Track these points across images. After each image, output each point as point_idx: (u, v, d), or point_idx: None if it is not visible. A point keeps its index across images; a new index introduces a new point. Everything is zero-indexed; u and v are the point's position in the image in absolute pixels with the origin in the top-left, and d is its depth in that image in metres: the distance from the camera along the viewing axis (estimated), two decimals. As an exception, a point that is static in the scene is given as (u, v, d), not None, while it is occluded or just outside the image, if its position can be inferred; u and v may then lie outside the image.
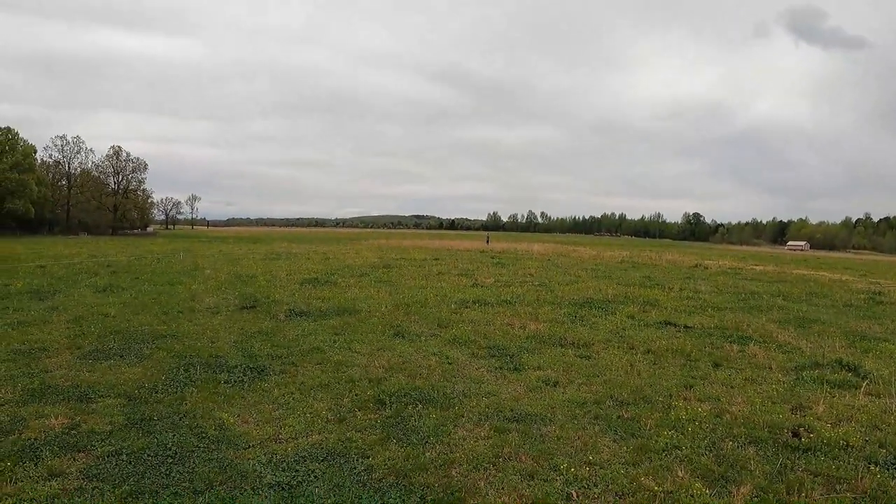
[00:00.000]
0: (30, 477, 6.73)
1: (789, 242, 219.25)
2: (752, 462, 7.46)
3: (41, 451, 7.43)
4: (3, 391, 9.74)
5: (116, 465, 7.11)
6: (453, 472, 7.03)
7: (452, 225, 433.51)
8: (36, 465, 7.04)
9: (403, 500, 6.44)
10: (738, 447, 7.93)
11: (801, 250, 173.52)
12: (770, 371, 12.07)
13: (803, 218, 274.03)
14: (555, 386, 10.68)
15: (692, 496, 6.52)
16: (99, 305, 18.55)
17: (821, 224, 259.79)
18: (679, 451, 7.75)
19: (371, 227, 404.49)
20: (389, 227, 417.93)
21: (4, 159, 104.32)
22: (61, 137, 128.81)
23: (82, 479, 6.73)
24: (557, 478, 6.95)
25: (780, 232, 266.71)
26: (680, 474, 7.02)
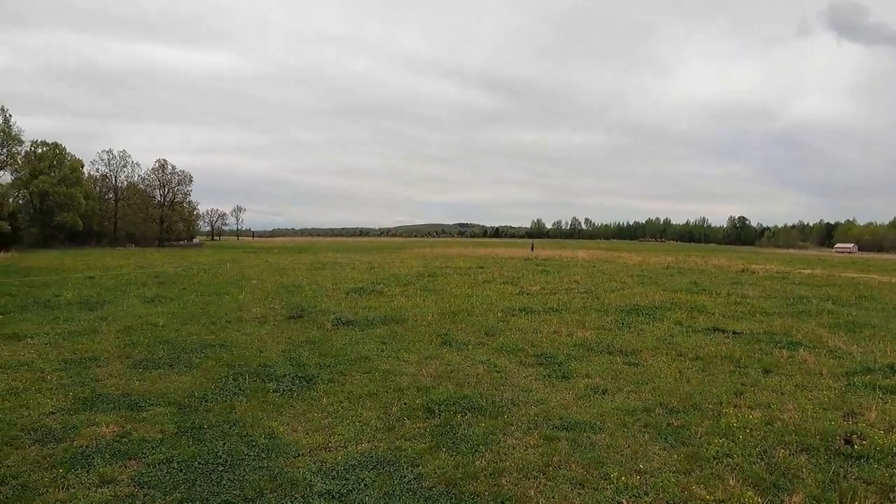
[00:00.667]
0: (82, 484, 6.83)
1: (837, 245, 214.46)
2: (803, 470, 7.33)
3: (93, 458, 7.53)
4: (54, 399, 9.91)
5: (167, 472, 7.18)
6: (503, 481, 7.00)
7: (496, 233, 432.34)
8: (88, 472, 7.14)
9: (454, 508, 6.43)
10: (789, 455, 7.80)
11: (849, 252, 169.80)
12: (821, 377, 11.87)
13: (851, 219, 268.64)
14: (604, 394, 10.61)
15: (745, 504, 6.43)
16: (148, 315, 18.79)
17: (869, 225, 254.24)
18: (730, 459, 7.65)
19: (415, 236, 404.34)
20: (433, 236, 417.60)
21: (53, 173, 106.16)
22: (108, 152, 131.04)
23: (133, 486, 6.81)
24: (608, 486, 6.89)
25: (827, 234, 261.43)
26: (731, 483, 6.93)
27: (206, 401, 9.98)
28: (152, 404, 9.74)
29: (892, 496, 6.73)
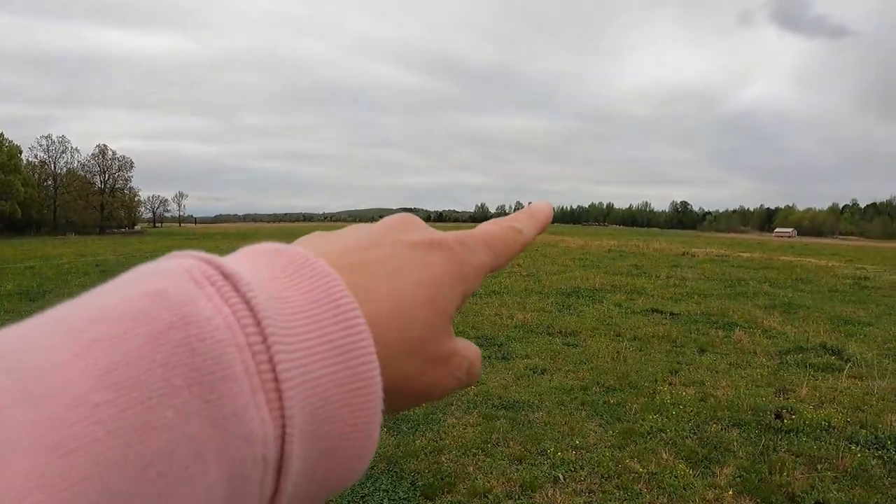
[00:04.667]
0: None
1: (777, 229, 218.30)
2: (735, 444, 7.55)
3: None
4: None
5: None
6: (443, 459, 7.12)
7: (440, 217, 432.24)
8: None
9: (394, 485, 6.53)
10: (721, 430, 8.02)
11: (789, 237, 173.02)
12: (755, 356, 12.13)
13: (790, 205, 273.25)
14: (543, 373, 10.75)
15: (676, 476, 6.61)
16: (89, 304, 18.54)
17: (808, 210, 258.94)
18: (664, 434, 7.84)
19: (359, 221, 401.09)
20: (377, 220, 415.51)
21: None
22: (46, 137, 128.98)
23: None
24: (545, 462, 7.05)
25: (767, 219, 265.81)
26: (664, 456, 7.13)
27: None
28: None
29: (819, 467, 6.97)
